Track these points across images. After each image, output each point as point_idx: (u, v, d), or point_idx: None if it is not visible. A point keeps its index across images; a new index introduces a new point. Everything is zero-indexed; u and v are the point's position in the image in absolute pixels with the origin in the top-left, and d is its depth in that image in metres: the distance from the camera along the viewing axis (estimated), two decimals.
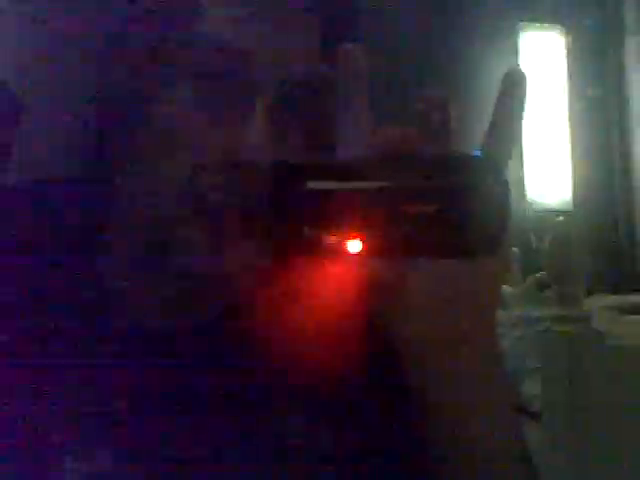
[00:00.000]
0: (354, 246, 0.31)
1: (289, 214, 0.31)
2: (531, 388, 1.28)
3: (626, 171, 2.83)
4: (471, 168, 0.32)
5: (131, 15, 0.39)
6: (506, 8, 2.51)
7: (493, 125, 0.35)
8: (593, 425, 0.94)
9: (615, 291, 2.17)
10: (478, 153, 0.36)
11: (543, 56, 2.56)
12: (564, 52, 2.61)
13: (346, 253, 0.31)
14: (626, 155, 2.82)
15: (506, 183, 0.31)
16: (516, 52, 2.55)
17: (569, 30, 2.62)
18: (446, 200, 0.31)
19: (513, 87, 0.34)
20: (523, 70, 0.35)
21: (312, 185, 0.31)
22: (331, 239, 0.31)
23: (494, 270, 0.34)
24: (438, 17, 2.33)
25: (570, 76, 2.61)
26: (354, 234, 0.31)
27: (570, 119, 2.60)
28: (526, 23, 2.55)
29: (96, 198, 0.39)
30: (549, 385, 0.96)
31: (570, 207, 2.58)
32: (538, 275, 1.43)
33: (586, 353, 0.92)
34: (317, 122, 0.37)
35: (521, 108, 0.34)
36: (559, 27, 2.60)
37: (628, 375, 0.95)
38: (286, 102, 0.39)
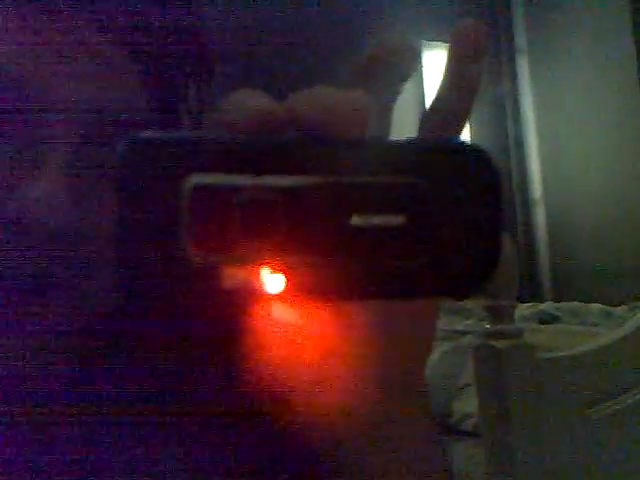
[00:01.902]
0: (273, 283, 0.20)
1: (163, 229, 0.19)
2: (464, 406, 1.27)
3: (523, 183, 2.97)
4: (459, 159, 0.21)
5: None
6: (409, 27, 2.58)
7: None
8: (530, 441, 0.93)
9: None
10: (461, 139, 0.25)
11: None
12: None
13: (261, 294, 0.20)
14: (522, 167, 2.96)
15: (504, 184, 0.21)
16: (420, 70, 2.61)
17: None
18: (418, 208, 0.20)
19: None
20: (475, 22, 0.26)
21: (200, 179, 0.19)
22: (236, 273, 0.19)
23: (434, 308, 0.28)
24: (341, 37, 2.34)
25: None
26: (273, 264, 0.20)
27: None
28: (428, 42, 2.62)
29: None
30: (485, 403, 0.94)
31: None
32: None
33: (520, 368, 0.92)
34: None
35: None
36: None
37: (561, 387, 0.96)
38: (88, 155, 0.29)
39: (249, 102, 0.21)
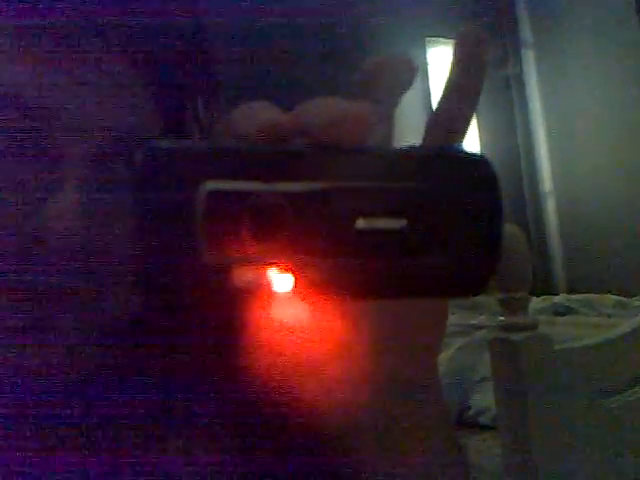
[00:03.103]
0: (282, 282, 0.21)
1: (180, 231, 0.20)
2: (481, 399, 1.27)
3: (533, 177, 2.97)
4: (460, 167, 0.22)
5: None
6: (412, 24, 2.58)
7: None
8: (547, 433, 0.94)
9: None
10: (461, 146, 0.26)
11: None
12: None
13: (271, 292, 0.21)
14: (531, 161, 2.95)
15: (501, 191, 0.22)
16: (425, 67, 2.62)
17: None
18: (420, 212, 0.21)
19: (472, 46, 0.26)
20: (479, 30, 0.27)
21: (214, 186, 0.20)
22: (248, 272, 0.21)
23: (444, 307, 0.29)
24: (347, 42, 2.35)
25: None
26: (282, 264, 0.21)
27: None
28: (433, 39, 2.62)
29: None
30: (502, 395, 0.95)
31: None
32: None
33: (536, 360, 0.92)
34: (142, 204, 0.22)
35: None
36: None
37: (576, 377, 0.96)
38: (103, 171, 0.31)
39: (259, 113, 0.23)
